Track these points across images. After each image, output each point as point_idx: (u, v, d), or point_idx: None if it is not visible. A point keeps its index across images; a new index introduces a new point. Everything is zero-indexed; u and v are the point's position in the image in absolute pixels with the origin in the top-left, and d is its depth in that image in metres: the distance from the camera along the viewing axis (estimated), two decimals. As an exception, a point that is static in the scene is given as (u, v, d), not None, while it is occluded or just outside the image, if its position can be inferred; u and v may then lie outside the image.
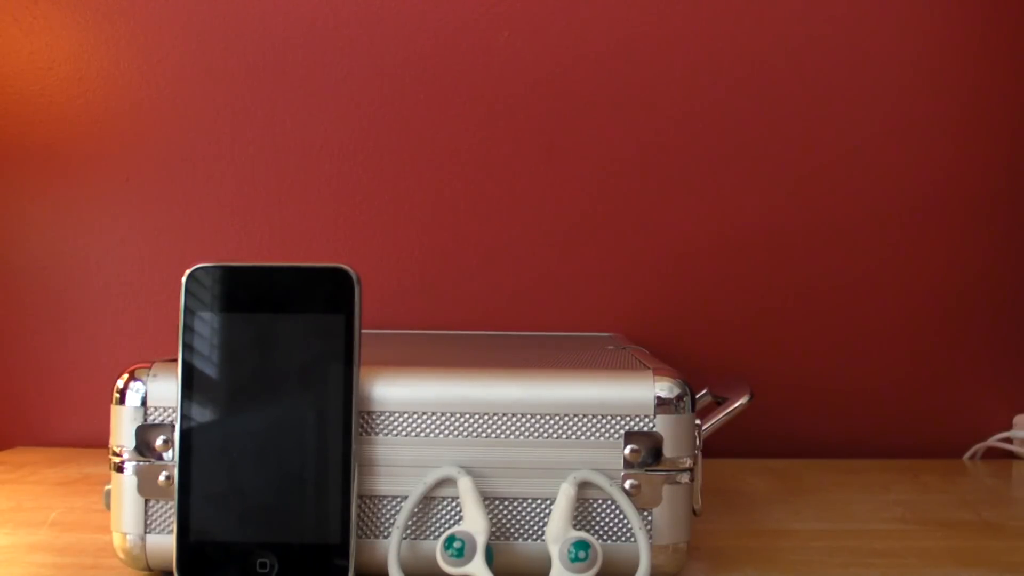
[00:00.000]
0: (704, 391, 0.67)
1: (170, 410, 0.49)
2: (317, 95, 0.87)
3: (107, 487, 0.50)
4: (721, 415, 0.60)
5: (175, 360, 0.49)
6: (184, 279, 0.48)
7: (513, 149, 0.87)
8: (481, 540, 0.46)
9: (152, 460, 0.49)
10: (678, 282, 0.88)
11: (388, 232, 0.87)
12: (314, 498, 0.47)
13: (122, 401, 0.50)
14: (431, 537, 0.49)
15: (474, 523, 0.47)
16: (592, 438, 0.49)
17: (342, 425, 0.47)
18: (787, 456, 0.87)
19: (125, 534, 0.50)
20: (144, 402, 0.50)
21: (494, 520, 0.49)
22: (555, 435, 0.49)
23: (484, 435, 0.49)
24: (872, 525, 0.63)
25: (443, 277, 0.88)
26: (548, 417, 0.49)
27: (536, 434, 0.49)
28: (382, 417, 0.49)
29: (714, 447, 0.66)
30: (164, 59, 0.87)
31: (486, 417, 0.49)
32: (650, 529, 0.49)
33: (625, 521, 0.49)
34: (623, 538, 0.49)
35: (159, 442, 0.49)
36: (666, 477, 0.49)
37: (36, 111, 0.87)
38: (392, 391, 0.49)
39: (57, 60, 0.87)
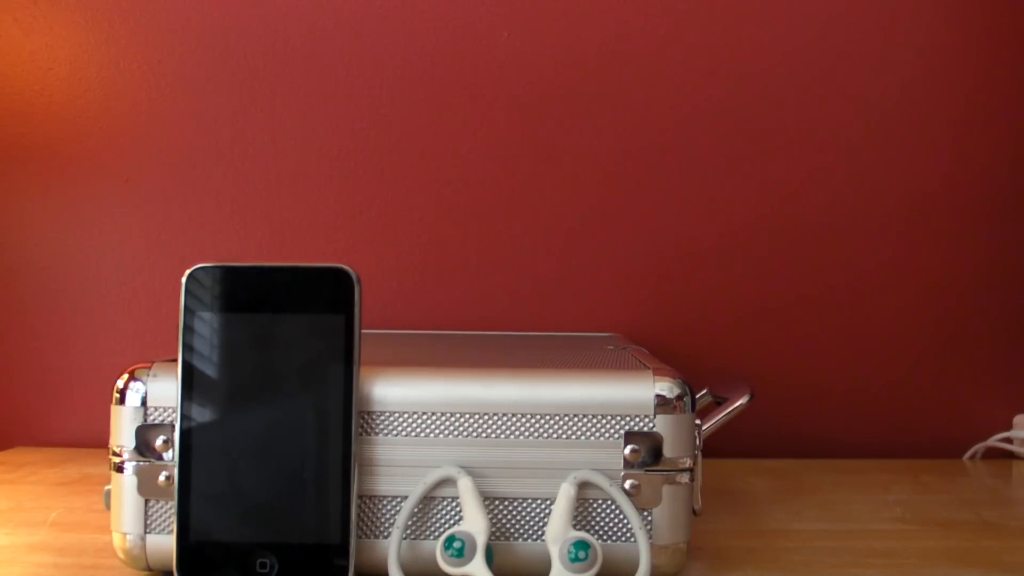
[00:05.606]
0: (704, 391, 0.67)
1: (170, 410, 0.49)
2: (317, 95, 0.87)
3: (107, 487, 0.50)
4: (721, 415, 0.60)
5: (175, 360, 0.49)
6: (184, 279, 0.48)
7: (513, 149, 0.87)
8: (481, 540, 0.46)
9: (152, 460, 0.49)
10: (678, 282, 0.88)
11: (388, 232, 0.87)
12: (314, 498, 0.47)
13: (122, 401, 0.50)
14: (431, 537, 0.49)
15: (474, 523, 0.47)
16: (592, 438, 0.49)
17: (342, 425, 0.47)
18: (787, 456, 0.86)
19: (125, 534, 0.50)
20: (144, 402, 0.50)
21: (494, 520, 0.49)
22: (555, 435, 0.49)
23: (484, 435, 0.49)
24: (872, 525, 0.63)
25: (443, 277, 0.88)
26: (548, 417, 0.49)
27: (536, 434, 0.49)
28: (382, 417, 0.49)
29: (714, 447, 0.66)
30: (164, 59, 0.87)
31: (486, 417, 0.49)
32: (650, 529, 0.49)
33: (625, 521, 0.49)
34: (623, 538, 0.49)
35: (159, 442, 0.49)
36: (666, 477, 0.49)
37: (36, 111, 0.87)
38: (392, 391, 0.49)
39: (57, 60, 0.87)
